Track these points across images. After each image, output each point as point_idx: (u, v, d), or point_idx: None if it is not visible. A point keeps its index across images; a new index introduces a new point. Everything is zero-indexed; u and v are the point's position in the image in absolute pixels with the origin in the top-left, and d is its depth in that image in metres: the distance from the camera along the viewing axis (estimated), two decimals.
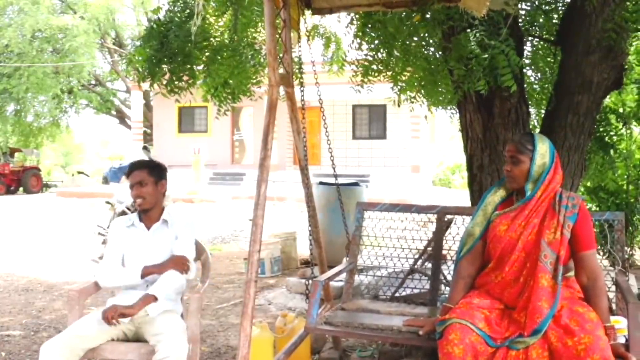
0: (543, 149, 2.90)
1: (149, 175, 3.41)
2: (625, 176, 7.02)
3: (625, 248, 3.52)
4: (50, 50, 26.45)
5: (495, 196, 3.06)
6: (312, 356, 4.31)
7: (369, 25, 4.80)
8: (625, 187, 7.08)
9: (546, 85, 5.66)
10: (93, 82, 30.31)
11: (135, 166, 3.45)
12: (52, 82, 25.34)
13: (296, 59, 4.16)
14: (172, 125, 24.30)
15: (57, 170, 38.72)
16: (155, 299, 3.17)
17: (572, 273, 2.89)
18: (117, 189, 9.10)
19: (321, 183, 8.21)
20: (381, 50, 5.00)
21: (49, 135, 30.64)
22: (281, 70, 3.70)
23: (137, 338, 3.24)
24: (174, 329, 3.11)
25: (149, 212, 3.44)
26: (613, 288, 3.39)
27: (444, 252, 3.85)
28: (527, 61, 5.41)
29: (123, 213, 7.46)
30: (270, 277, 7.50)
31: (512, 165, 2.94)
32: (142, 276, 3.28)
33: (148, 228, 3.44)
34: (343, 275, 3.90)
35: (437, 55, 5.02)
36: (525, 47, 5.21)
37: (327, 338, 4.46)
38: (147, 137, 27.68)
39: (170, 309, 3.26)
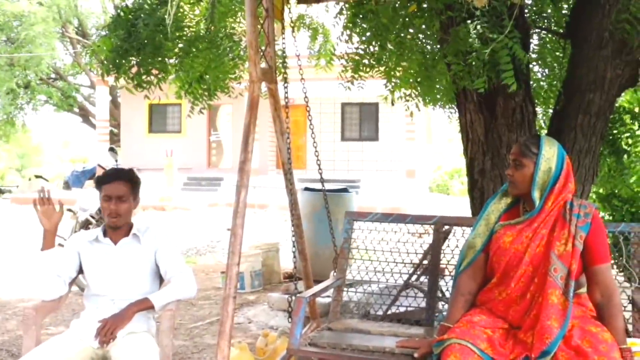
0: (549, 153, 2.89)
1: (130, 191, 3.34)
2: None
3: None
4: (4, 39, 26.23)
5: (499, 204, 3.07)
6: None
7: (360, 16, 4.82)
8: None
9: (554, 83, 5.71)
10: (53, 75, 30.08)
11: (117, 176, 3.35)
12: (6, 75, 25.12)
13: (280, 52, 4.17)
14: (141, 124, 24.20)
15: (12, 174, 38.39)
16: (152, 306, 3.19)
17: (584, 289, 2.90)
18: (80, 195, 9.03)
19: (307, 189, 8.21)
20: (373, 43, 5.02)
21: (3, 134, 30.37)
22: (263, 65, 3.71)
23: None
24: (144, 354, 3.08)
25: (110, 228, 3.40)
26: (629, 307, 3.39)
27: (442, 265, 3.86)
28: (533, 56, 5.45)
29: (86, 222, 7.41)
30: (251, 292, 7.48)
31: (514, 169, 2.95)
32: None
33: (115, 243, 3.39)
34: (330, 291, 3.91)
35: (435, 49, 5.05)
36: (531, 41, 5.25)
37: None
38: (114, 138, 27.52)
39: (137, 330, 3.22)
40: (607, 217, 7.09)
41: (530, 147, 2.92)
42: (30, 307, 3.31)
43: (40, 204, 3.30)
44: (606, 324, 2.73)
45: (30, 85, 27.20)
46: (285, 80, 4.29)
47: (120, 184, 3.31)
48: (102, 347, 3.08)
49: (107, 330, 3.07)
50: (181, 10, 5.70)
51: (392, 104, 5.82)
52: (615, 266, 4.54)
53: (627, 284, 3.48)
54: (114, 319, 3.12)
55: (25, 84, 26.97)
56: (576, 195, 2.99)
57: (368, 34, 4.95)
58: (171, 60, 5.79)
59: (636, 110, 6.40)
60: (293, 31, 5.37)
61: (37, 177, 27.20)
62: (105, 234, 3.42)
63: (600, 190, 6.95)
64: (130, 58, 5.35)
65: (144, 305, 3.20)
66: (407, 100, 5.74)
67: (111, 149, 16.20)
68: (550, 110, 5.57)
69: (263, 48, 3.74)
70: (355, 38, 5.09)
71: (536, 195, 2.89)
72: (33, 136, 42.18)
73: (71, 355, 3.09)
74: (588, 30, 4.50)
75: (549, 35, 5.65)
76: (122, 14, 5.32)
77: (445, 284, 3.92)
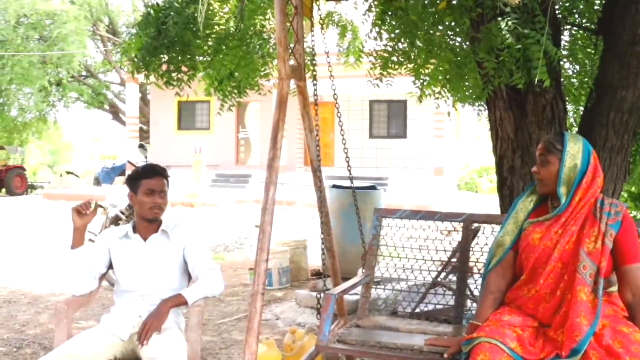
0: (574, 149, 2.87)
1: (167, 186, 3.45)
2: None
3: None
4: (37, 37, 26.62)
5: (527, 202, 3.05)
6: None
7: (389, 13, 4.81)
8: None
9: (585, 79, 5.64)
10: (84, 73, 30.49)
11: (160, 172, 3.44)
12: (39, 72, 25.48)
13: (308, 50, 4.17)
14: (170, 121, 24.40)
15: (44, 170, 38.94)
16: (185, 302, 3.23)
17: (615, 288, 2.87)
18: (110, 191, 9.14)
19: (335, 186, 8.21)
20: (402, 40, 5.00)
21: (35, 131, 30.86)
22: (292, 62, 3.71)
23: (136, 357, 3.23)
24: (172, 350, 3.10)
25: (148, 222, 3.44)
26: None
27: (471, 263, 3.83)
28: (564, 52, 5.39)
29: (116, 217, 7.49)
30: (278, 289, 7.50)
31: (539, 167, 2.93)
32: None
33: (144, 239, 3.43)
34: (358, 289, 3.90)
35: (465, 46, 5.02)
36: (562, 37, 5.19)
37: (340, 357, 4.46)
38: (144, 135, 27.81)
39: (166, 325, 3.23)
40: (638, 217, 7.00)
41: (554, 144, 2.90)
42: (62, 301, 3.36)
43: (82, 209, 3.37)
44: (638, 324, 2.70)
45: (61, 83, 27.60)
46: (314, 77, 4.28)
47: (161, 179, 3.40)
48: (142, 346, 3.11)
49: (148, 330, 3.11)
50: (211, 8, 5.73)
51: (421, 102, 5.80)
52: None
53: None
54: (152, 318, 3.15)
55: (57, 82, 27.36)
56: (607, 194, 2.95)
57: (397, 31, 4.94)
58: (200, 58, 5.82)
59: None
60: (322, 28, 5.36)
61: (68, 173, 27.63)
62: (134, 230, 3.46)
63: (632, 189, 6.86)
64: (160, 56, 5.39)
65: (178, 301, 3.24)
66: (437, 98, 5.70)
67: (141, 146, 16.40)
68: (581, 108, 5.51)
69: (292, 45, 3.74)
70: (384, 35, 5.07)
71: (563, 190, 2.87)
72: (64, 133, 42.79)
73: (101, 350, 3.13)
74: (621, 26, 4.44)
75: (581, 32, 5.58)
76: (152, 12, 5.37)
77: (474, 282, 3.89)
